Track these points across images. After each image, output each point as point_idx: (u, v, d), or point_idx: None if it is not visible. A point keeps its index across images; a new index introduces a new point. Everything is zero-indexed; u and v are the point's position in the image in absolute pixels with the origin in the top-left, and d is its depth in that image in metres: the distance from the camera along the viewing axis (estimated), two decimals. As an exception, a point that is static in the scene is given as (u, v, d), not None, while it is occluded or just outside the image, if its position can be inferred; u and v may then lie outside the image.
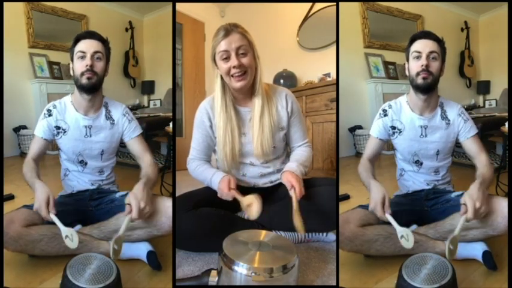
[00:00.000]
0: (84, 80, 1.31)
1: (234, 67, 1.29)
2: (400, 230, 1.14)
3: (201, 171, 1.44)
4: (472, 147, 1.37)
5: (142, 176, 1.33)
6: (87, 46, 1.31)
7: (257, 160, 1.45)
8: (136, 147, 1.45)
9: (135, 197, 1.15)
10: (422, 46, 1.30)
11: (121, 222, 1.23)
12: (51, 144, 1.42)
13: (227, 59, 1.30)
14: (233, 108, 1.40)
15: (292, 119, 1.48)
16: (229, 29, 1.30)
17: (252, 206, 1.25)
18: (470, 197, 1.12)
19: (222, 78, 1.36)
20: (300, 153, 1.48)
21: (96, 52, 1.32)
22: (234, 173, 1.48)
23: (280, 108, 1.45)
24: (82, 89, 1.33)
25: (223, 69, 1.31)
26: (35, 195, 1.18)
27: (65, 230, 1.12)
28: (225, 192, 1.30)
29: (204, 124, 1.45)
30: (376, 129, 1.43)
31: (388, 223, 1.22)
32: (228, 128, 1.38)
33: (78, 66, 1.32)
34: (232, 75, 1.31)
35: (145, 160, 1.42)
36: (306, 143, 1.53)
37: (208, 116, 1.44)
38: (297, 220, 1.19)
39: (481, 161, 1.34)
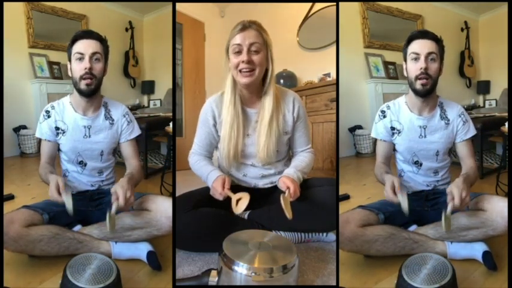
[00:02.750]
0: (82, 86, 1.30)
1: (243, 62, 1.29)
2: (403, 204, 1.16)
3: (200, 167, 1.44)
4: (464, 150, 1.38)
5: (127, 173, 1.35)
6: (85, 47, 1.29)
7: (259, 162, 1.45)
8: (128, 151, 1.45)
9: (121, 186, 1.18)
10: (421, 47, 1.29)
11: (121, 222, 1.24)
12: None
13: (239, 53, 1.30)
14: (240, 106, 1.40)
15: (297, 124, 1.47)
16: (246, 25, 1.31)
17: (240, 200, 1.25)
18: (457, 187, 1.14)
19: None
20: (301, 159, 1.47)
21: (94, 53, 1.30)
22: (234, 172, 1.48)
23: (286, 112, 1.44)
24: (80, 92, 1.33)
25: (233, 62, 1.32)
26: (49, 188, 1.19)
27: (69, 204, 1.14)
28: (219, 191, 1.29)
29: (208, 122, 1.44)
30: (379, 132, 1.43)
31: (390, 222, 1.23)
32: (234, 125, 1.37)
33: (77, 68, 1.30)
34: (240, 70, 1.31)
35: (133, 164, 1.44)
36: (309, 148, 1.53)
37: (213, 114, 1.43)
38: (287, 206, 1.21)
39: (468, 164, 1.36)
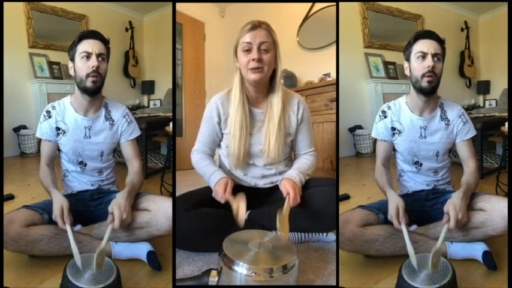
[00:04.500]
0: (89, 84, 1.30)
1: (253, 60, 1.29)
2: (410, 251, 1.08)
3: (203, 166, 1.44)
4: (465, 150, 1.38)
5: (128, 183, 1.34)
6: (92, 46, 1.30)
7: (261, 162, 1.45)
8: (129, 151, 1.45)
9: (118, 207, 1.19)
10: (427, 46, 1.28)
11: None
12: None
13: (248, 51, 1.31)
14: (247, 106, 1.40)
15: (301, 126, 1.48)
16: (256, 24, 1.32)
17: (239, 208, 1.20)
18: (454, 207, 1.16)
19: (241, 73, 1.36)
20: (303, 161, 1.47)
21: (100, 54, 1.31)
22: (234, 171, 1.48)
23: (291, 113, 1.45)
24: (85, 91, 1.32)
25: (242, 61, 1.32)
26: (53, 205, 1.22)
27: (76, 253, 1.06)
28: (220, 195, 1.29)
29: (213, 119, 1.44)
30: (379, 132, 1.43)
31: (390, 222, 1.23)
32: (243, 124, 1.38)
33: (83, 67, 1.30)
34: (249, 68, 1.32)
35: (134, 165, 1.43)
36: (312, 151, 1.53)
37: (217, 112, 1.43)
38: (283, 225, 1.16)
39: (470, 166, 1.36)
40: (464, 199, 1.19)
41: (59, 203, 1.20)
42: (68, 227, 1.16)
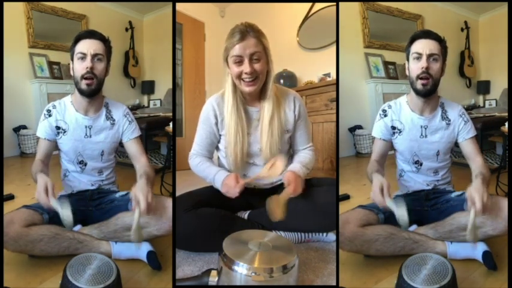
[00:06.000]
0: (83, 86, 1.31)
1: (245, 73, 1.29)
2: (397, 213, 1.14)
3: (203, 168, 1.44)
4: (470, 148, 1.37)
5: (142, 174, 1.32)
6: (87, 47, 1.30)
7: (261, 161, 1.45)
8: (134, 149, 1.45)
9: (141, 191, 1.14)
10: (423, 47, 1.29)
11: (121, 222, 1.24)
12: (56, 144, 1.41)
13: (240, 63, 1.29)
14: (242, 107, 1.40)
15: (298, 123, 1.48)
16: (244, 32, 1.28)
17: (275, 164, 1.27)
18: (477, 191, 1.09)
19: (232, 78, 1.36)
20: (303, 155, 1.48)
21: (96, 54, 1.31)
22: (234, 172, 1.48)
23: (287, 110, 1.45)
24: (82, 93, 1.33)
25: (234, 72, 1.31)
26: (37, 185, 1.18)
27: (63, 214, 1.12)
28: (233, 185, 1.29)
29: (210, 121, 1.44)
30: (378, 131, 1.43)
31: (390, 222, 1.22)
32: (239, 128, 1.38)
33: (78, 68, 1.31)
34: (242, 79, 1.31)
35: (142, 161, 1.43)
36: (310, 146, 1.53)
37: (214, 113, 1.43)
38: (278, 209, 1.20)
39: (478, 161, 1.35)
40: (485, 185, 1.14)
41: (42, 182, 1.15)
42: (52, 201, 1.13)
